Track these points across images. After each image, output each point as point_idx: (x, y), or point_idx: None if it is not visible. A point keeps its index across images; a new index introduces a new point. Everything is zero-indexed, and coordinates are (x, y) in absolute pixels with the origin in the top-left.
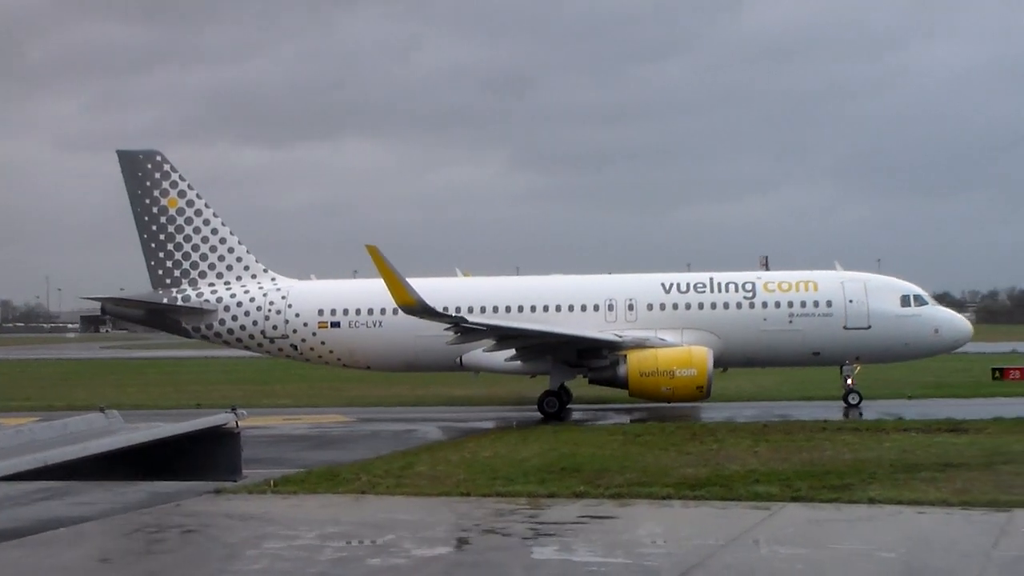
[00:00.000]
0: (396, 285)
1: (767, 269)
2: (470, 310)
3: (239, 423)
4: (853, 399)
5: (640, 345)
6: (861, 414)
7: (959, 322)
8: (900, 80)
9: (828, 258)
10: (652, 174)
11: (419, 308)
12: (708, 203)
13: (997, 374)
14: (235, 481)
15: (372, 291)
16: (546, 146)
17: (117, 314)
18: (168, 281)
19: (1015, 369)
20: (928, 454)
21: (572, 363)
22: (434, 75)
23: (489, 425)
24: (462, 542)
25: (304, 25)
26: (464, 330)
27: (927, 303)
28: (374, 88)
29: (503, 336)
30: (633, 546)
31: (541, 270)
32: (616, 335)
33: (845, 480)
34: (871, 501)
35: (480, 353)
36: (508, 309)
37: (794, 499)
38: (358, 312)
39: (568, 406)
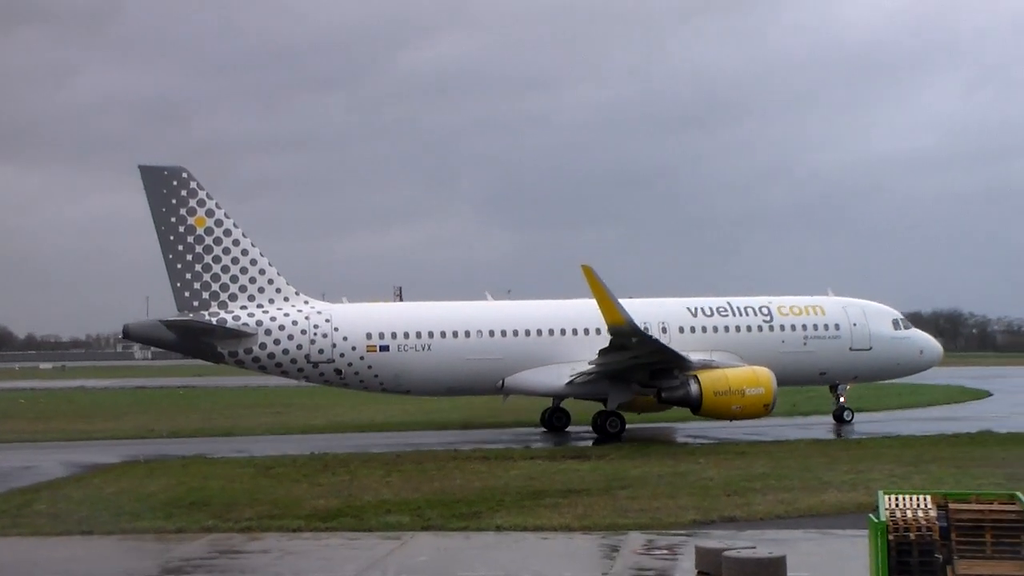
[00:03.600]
0: (608, 305)
1: (400, 299)
2: (508, 333)
3: None
4: (848, 416)
5: (706, 366)
6: (853, 431)
7: (935, 344)
8: (544, 119)
9: (473, 287)
10: (307, 204)
11: (627, 328)
12: (360, 233)
13: None
14: None
15: (420, 314)
16: (202, 174)
17: (142, 338)
18: (196, 303)
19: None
20: (553, 481)
21: (645, 384)
22: (90, 101)
23: (114, 460)
24: None
25: None
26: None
27: (911, 327)
28: (22, 112)
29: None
30: None
31: None
32: (686, 356)
33: (474, 508)
34: (498, 528)
35: (524, 375)
36: (536, 333)
37: (425, 528)
38: (406, 335)
39: (567, 428)
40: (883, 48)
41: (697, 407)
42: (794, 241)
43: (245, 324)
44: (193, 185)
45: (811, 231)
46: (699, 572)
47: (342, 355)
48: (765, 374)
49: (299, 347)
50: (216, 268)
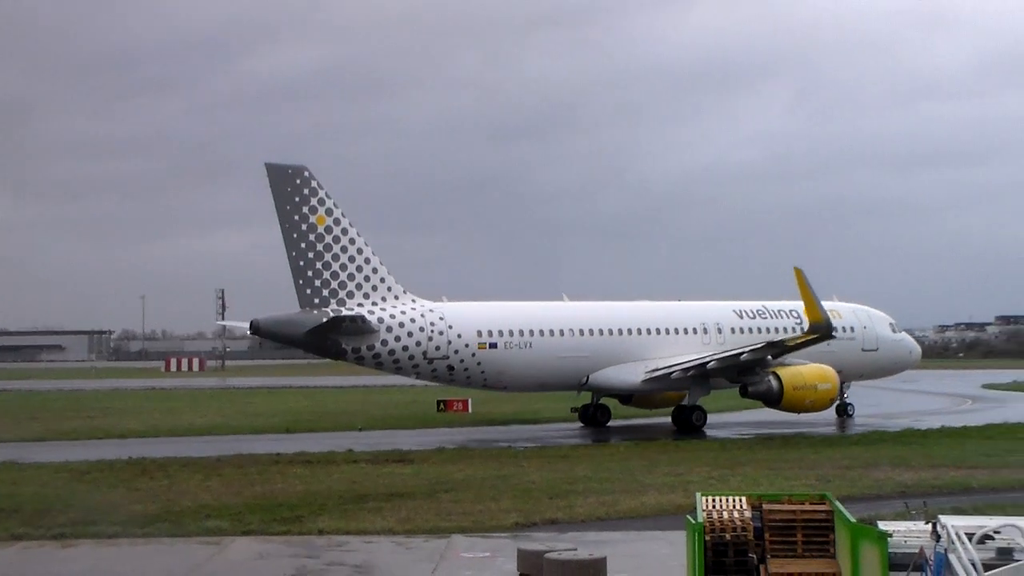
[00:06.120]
0: (813, 305)
1: (223, 304)
2: (595, 332)
3: None
4: (850, 410)
5: (781, 363)
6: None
7: (917, 346)
8: (384, 125)
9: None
10: (130, 207)
11: (826, 326)
12: (181, 236)
13: (442, 406)
14: None
15: (523, 313)
16: (29, 174)
17: (271, 333)
18: (317, 300)
19: (457, 401)
20: (376, 484)
21: (732, 379)
22: None
23: None
24: None
25: None
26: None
27: (902, 331)
28: None
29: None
30: None
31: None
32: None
33: (296, 512)
34: (320, 532)
35: (606, 372)
36: (618, 332)
37: (245, 533)
38: (511, 333)
39: (609, 424)
40: (711, 63)
41: (777, 401)
42: (623, 248)
43: (367, 322)
44: (314, 184)
45: (640, 238)
46: (521, 574)
47: (456, 352)
48: (831, 371)
49: (418, 344)
50: (335, 266)
